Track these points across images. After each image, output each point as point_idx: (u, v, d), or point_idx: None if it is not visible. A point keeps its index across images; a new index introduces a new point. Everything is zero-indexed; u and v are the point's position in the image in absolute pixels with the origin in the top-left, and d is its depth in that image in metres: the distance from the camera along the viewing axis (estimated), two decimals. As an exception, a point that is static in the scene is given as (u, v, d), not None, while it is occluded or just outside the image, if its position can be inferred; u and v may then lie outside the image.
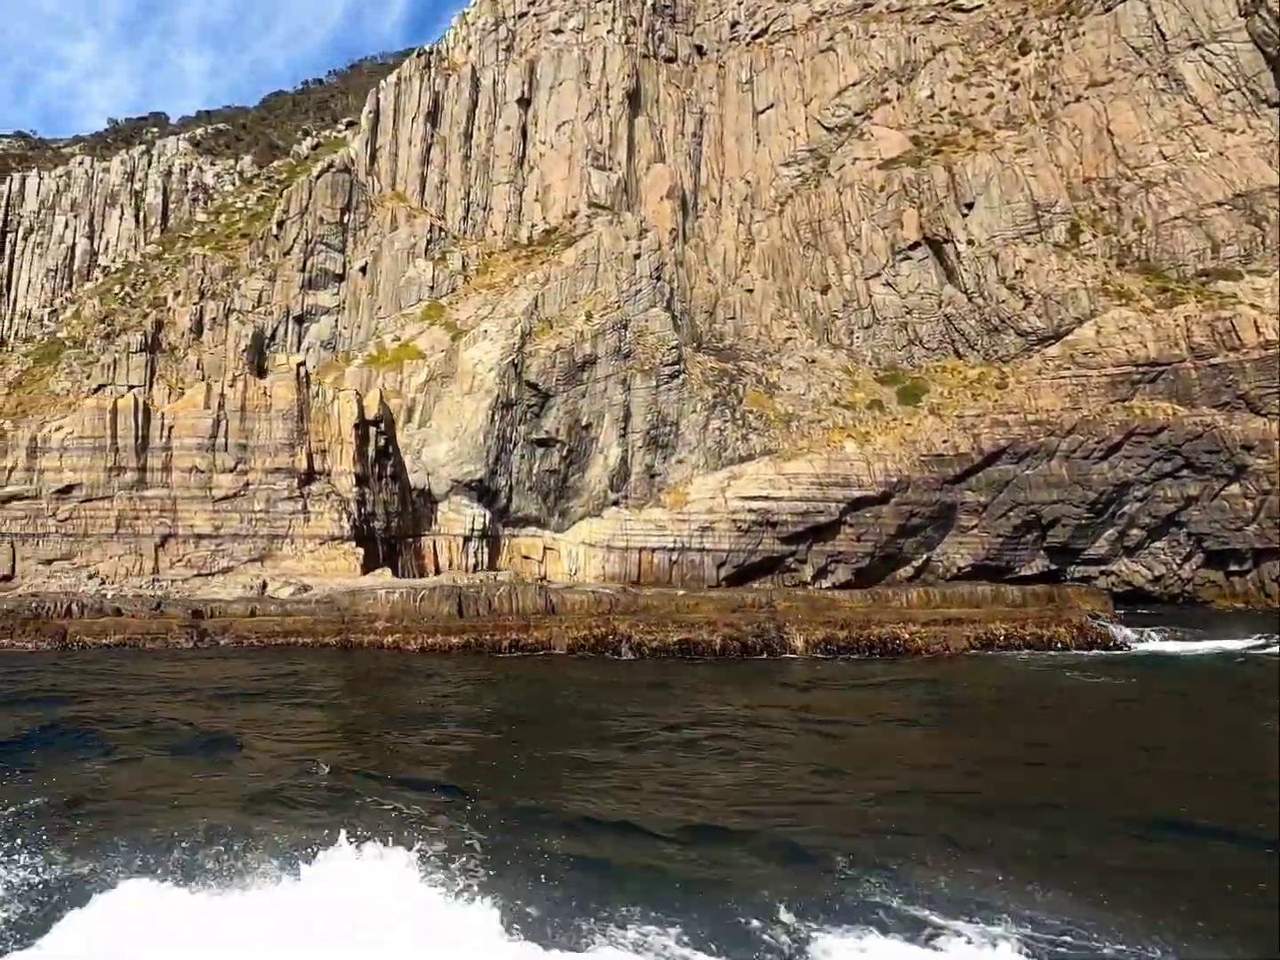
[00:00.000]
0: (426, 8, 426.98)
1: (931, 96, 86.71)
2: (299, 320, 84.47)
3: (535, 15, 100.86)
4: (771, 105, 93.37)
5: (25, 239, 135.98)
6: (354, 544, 50.07)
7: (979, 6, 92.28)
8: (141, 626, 32.91)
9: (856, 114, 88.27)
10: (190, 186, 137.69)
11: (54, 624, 33.39)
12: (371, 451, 55.97)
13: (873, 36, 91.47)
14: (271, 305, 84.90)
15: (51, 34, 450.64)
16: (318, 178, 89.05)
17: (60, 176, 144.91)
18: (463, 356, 70.82)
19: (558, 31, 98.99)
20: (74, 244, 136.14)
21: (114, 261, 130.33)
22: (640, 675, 26.96)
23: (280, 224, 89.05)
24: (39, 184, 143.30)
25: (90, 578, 47.42)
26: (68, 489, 51.75)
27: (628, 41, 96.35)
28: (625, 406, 70.53)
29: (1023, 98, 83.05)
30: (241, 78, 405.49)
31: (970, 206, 74.86)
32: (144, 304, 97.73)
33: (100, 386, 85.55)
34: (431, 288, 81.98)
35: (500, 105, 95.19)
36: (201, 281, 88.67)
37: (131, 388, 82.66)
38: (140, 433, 52.66)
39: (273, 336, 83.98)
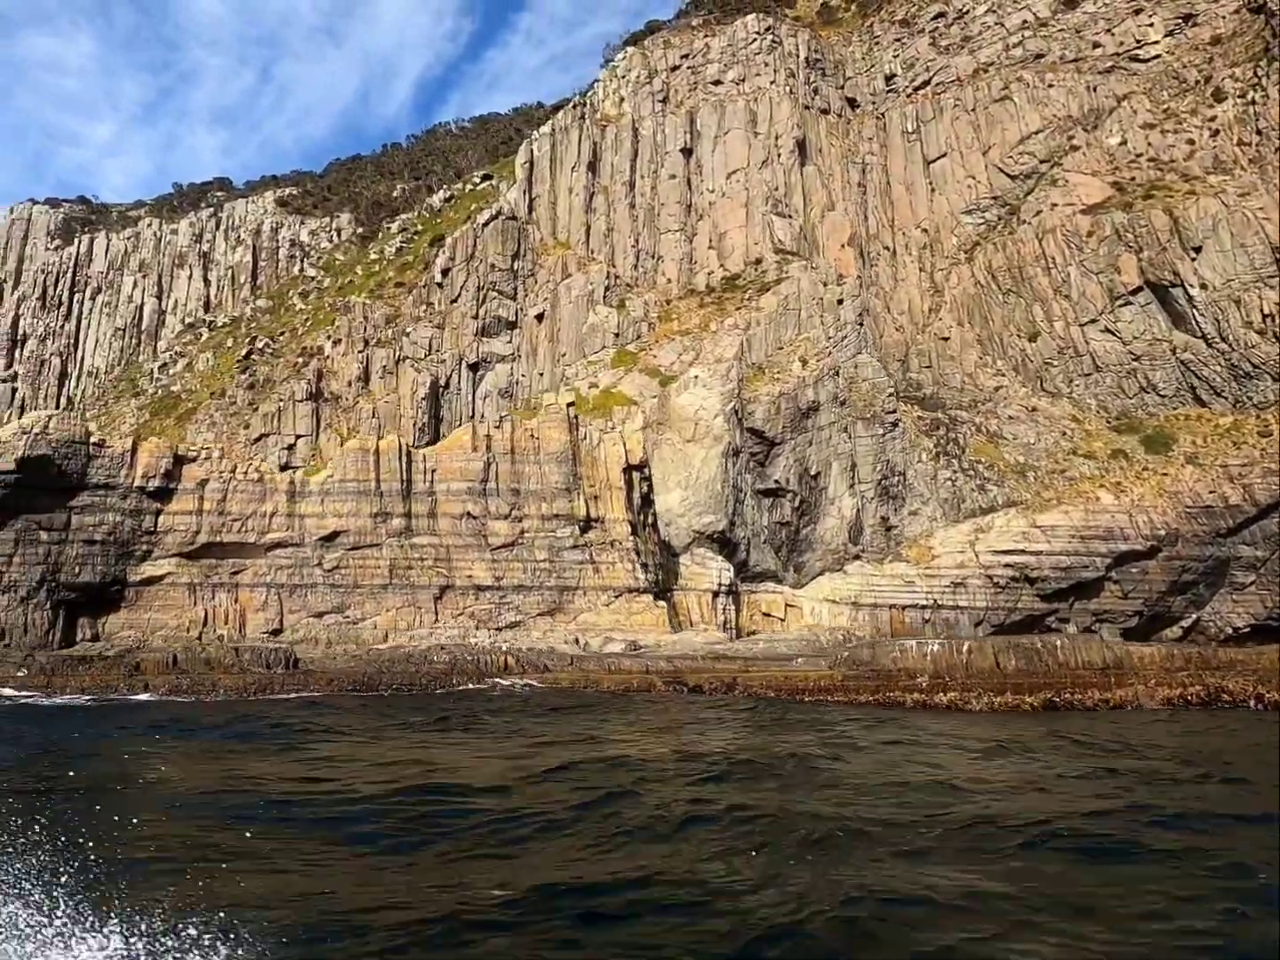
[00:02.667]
0: (431, 92, 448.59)
1: (1124, 143, 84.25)
2: (473, 368, 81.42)
3: (690, 68, 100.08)
4: (944, 154, 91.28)
5: (93, 299, 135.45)
6: (653, 597, 45.49)
7: (1157, 57, 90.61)
8: (618, 681, 28.34)
9: (1042, 161, 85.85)
10: (286, 243, 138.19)
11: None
12: (637, 498, 51.81)
13: (1050, 86, 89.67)
14: (443, 353, 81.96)
15: (69, 113, 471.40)
16: (484, 226, 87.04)
17: (128, 238, 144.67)
18: (676, 402, 67.08)
19: (716, 83, 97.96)
20: (142, 303, 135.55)
21: (188, 318, 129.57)
22: None
23: (445, 272, 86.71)
24: (107, 245, 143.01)
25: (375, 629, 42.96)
26: (332, 536, 47.54)
27: (791, 92, 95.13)
28: (851, 455, 66.44)
29: (1226, 143, 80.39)
30: (251, 155, 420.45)
31: (1198, 250, 71.43)
32: (288, 353, 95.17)
33: (262, 435, 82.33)
34: (616, 334, 78.90)
35: (662, 155, 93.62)
36: (364, 330, 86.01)
37: (300, 436, 79.66)
38: (404, 476, 48.69)
39: (446, 384, 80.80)
